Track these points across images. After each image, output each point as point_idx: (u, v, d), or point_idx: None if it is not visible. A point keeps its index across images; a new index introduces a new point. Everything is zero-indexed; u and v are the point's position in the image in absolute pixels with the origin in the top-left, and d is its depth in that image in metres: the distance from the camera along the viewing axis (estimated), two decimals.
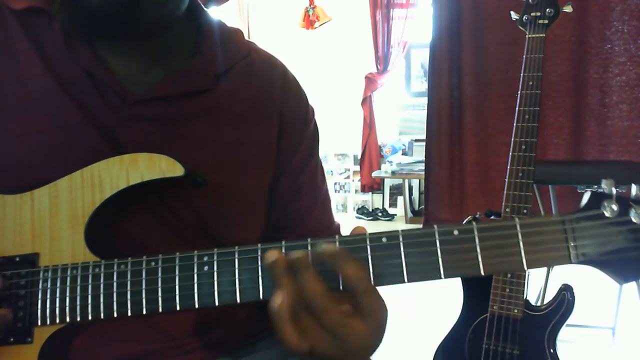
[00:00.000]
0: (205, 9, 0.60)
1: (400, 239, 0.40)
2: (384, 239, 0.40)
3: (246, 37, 0.63)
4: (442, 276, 0.39)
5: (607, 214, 0.39)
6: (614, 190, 0.39)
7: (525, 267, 0.39)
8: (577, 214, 0.39)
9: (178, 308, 0.42)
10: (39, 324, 0.45)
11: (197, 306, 0.42)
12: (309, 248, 0.41)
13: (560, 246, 0.39)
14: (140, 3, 0.47)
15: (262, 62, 0.61)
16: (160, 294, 0.43)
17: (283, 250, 0.41)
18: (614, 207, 0.38)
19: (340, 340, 0.39)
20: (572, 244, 0.39)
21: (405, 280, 0.40)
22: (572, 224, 0.39)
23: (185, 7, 0.54)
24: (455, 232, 0.40)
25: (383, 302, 0.40)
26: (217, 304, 0.42)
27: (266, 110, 0.58)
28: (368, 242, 0.40)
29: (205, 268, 0.42)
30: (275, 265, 0.39)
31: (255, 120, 0.57)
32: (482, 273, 0.39)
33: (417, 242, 0.40)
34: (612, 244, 0.38)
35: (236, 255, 0.42)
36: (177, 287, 0.43)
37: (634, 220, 0.38)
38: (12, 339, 0.45)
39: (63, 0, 0.47)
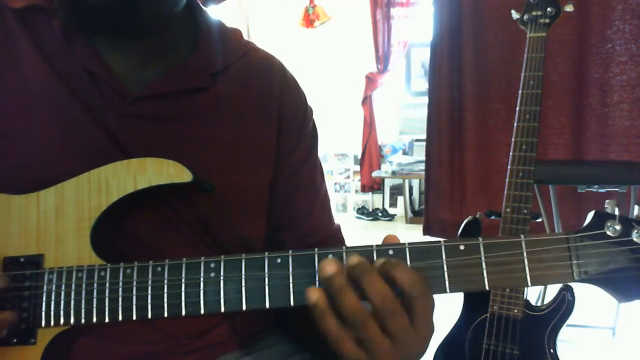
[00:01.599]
0: (203, 7, 0.60)
1: (407, 252, 0.40)
2: (390, 252, 0.41)
3: (246, 36, 0.64)
4: (447, 290, 0.40)
5: (610, 233, 0.39)
6: (617, 211, 0.40)
7: (529, 284, 0.39)
8: (581, 233, 0.40)
9: (184, 314, 0.42)
10: (43, 325, 0.45)
11: (202, 312, 0.42)
12: (315, 259, 0.41)
13: (563, 264, 0.39)
14: (137, 10, 0.47)
15: (261, 61, 0.61)
16: (166, 299, 0.43)
17: (290, 260, 0.41)
18: (617, 227, 0.39)
19: (401, 347, 0.38)
20: (575, 263, 0.39)
21: None
22: (576, 242, 0.39)
23: (184, 5, 0.54)
24: (462, 247, 0.40)
25: (434, 308, 0.39)
26: (223, 311, 0.42)
27: (264, 109, 0.58)
28: (375, 255, 0.41)
29: (212, 275, 0.42)
30: (335, 277, 0.37)
31: (254, 119, 0.57)
32: (487, 288, 0.40)
33: (423, 257, 0.40)
34: (614, 264, 0.39)
35: (243, 264, 0.42)
36: (182, 293, 0.42)
37: (635, 240, 0.39)
38: (15, 340, 0.45)
39: None
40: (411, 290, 0.37)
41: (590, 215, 0.41)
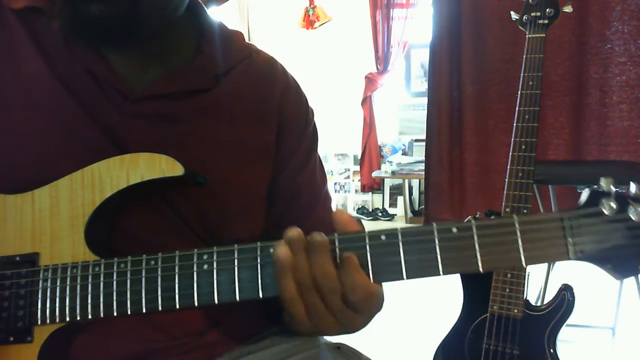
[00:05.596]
0: (206, 10, 0.60)
1: (399, 237, 0.40)
2: (383, 237, 0.41)
3: (246, 37, 0.64)
4: (441, 273, 0.40)
5: (605, 211, 0.39)
6: (612, 188, 0.39)
7: (524, 264, 0.39)
8: (576, 211, 0.39)
9: (178, 306, 0.42)
10: (39, 323, 0.45)
11: (196, 304, 0.42)
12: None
13: (558, 242, 0.39)
14: (139, 11, 0.47)
15: (263, 64, 0.62)
16: (160, 292, 0.43)
17: None
18: (613, 204, 0.39)
19: (339, 321, 0.43)
20: (570, 241, 0.39)
21: (404, 277, 0.40)
22: (571, 220, 0.39)
23: (185, 8, 0.54)
24: (454, 230, 0.40)
25: (381, 301, 0.44)
26: (216, 302, 0.42)
27: (266, 111, 0.59)
28: (367, 240, 0.41)
29: (205, 267, 0.42)
30: (295, 239, 0.41)
31: (255, 119, 0.58)
32: (481, 270, 0.39)
33: (415, 240, 0.40)
34: (611, 241, 0.38)
35: (235, 254, 0.42)
36: (176, 285, 0.43)
37: (632, 217, 0.38)
38: (12, 338, 0.45)
39: (62, 8, 0.48)
40: (351, 295, 0.41)
41: (585, 193, 0.40)
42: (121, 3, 0.46)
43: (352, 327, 0.44)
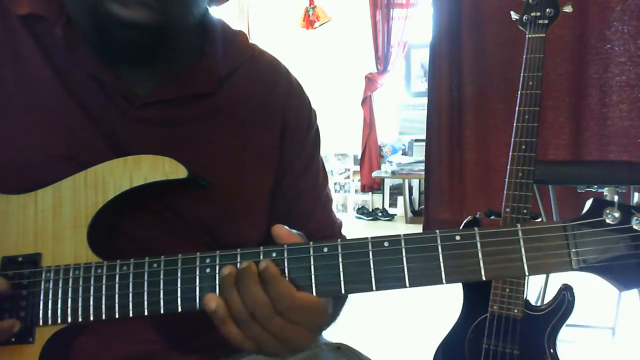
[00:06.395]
0: (209, 10, 0.60)
1: (402, 243, 0.40)
2: (386, 243, 0.41)
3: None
4: (444, 281, 0.40)
5: (609, 221, 0.39)
6: (616, 198, 0.39)
7: (527, 273, 0.39)
8: (579, 221, 0.39)
9: (180, 310, 0.42)
10: (41, 324, 0.45)
11: (198, 308, 0.42)
12: (311, 252, 0.41)
13: (561, 252, 0.39)
14: (167, 36, 0.49)
15: (266, 65, 0.62)
16: (162, 295, 0.43)
17: (285, 254, 0.42)
18: (616, 214, 0.38)
19: (285, 343, 0.41)
20: (573, 251, 0.39)
21: (407, 285, 0.40)
22: (574, 230, 0.39)
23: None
24: (457, 238, 0.40)
25: (323, 312, 0.42)
26: None
27: (269, 113, 0.59)
28: (370, 247, 0.41)
29: (208, 270, 0.42)
30: (226, 278, 0.41)
31: (258, 122, 0.58)
32: (484, 278, 0.39)
33: (419, 247, 0.40)
34: (614, 251, 0.38)
35: (238, 258, 0.42)
36: (179, 289, 0.43)
37: (635, 228, 0.38)
38: (13, 339, 0.45)
39: (91, 32, 0.48)
40: (278, 305, 0.40)
41: (588, 203, 0.40)
42: (152, 30, 0.47)
43: (295, 345, 0.42)
